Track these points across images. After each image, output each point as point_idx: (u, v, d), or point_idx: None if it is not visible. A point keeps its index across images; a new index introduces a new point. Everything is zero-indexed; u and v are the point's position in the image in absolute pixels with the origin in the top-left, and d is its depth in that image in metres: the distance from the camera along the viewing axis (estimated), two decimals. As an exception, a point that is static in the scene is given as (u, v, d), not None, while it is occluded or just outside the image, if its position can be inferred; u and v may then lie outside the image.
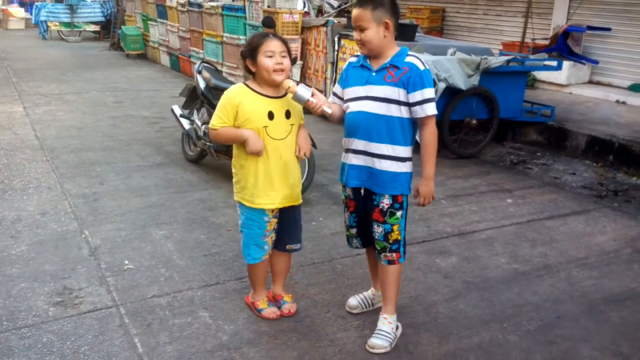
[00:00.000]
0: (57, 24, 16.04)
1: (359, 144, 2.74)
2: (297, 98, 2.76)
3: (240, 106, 2.79)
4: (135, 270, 3.48)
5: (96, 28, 16.60)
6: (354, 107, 2.75)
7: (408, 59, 2.67)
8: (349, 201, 2.91)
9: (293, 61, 5.24)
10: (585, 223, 4.51)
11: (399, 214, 2.77)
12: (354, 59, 2.83)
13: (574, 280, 3.58)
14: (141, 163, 5.54)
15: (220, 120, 2.83)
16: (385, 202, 2.74)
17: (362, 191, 2.81)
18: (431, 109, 2.65)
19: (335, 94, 2.89)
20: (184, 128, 5.51)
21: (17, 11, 19.59)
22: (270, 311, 3.03)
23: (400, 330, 2.91)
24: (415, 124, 2.74)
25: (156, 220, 4.21)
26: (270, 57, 2.75)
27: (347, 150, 2.81)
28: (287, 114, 2.86)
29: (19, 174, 5.09)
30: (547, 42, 8.56)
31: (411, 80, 2.62)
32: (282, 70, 2.77)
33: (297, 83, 2.82)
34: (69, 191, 4.72)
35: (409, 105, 2.65)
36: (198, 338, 2.84)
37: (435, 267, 3.68)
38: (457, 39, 10.08)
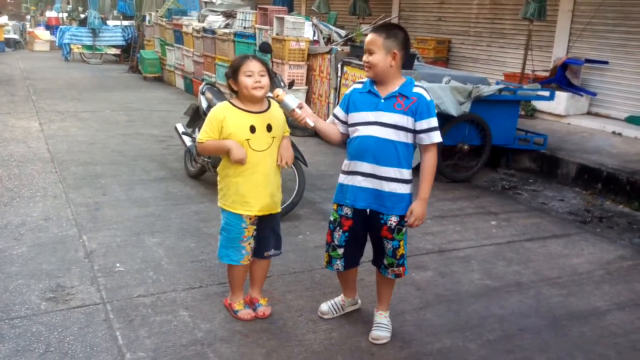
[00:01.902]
0: (80, 46, 16.66)
1: (367, 167, 2.90)
2: (283, 106, 2.99)
3: (225, 121, 3.04)
4: (125, 272, 3.71)
5: (117, 51, 17.18)
6: (363, 131, 2.90)
7: (416, 90, 2.88)
8: (344, 220, 3.01)
9: (290, 85, 5.54)
10: (564, 246, 4.66)
11: (404, 229, 2.97)
12: (359, 85, 3.00)
13: (542, 297, 3.73)
14: (144, 177, 5.82)
15: (206, 135, 3.08)
16: (393, 219, 2.92)
17: (368, 212, 2.96)
18: (437, 137, 2.86)
19: (336, 116, 3.05)
20: (185, 145, 5.79)
21: (42, 34, 20.39)
22: (245, 312, 3.23)
23: None
24: (415, 148, 2.94)
25: (151, 228, 4.46)
26: (250, 76, 3.01)
27: (354, 173, 2.95)
28: (269, 128, 3.11)
29: (28, 183, 5.40)
30: (547, 74, 8.78)
31: (419, 109, 2.83)
32: (261, 87, 3.03)
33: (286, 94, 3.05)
34: (72, 200, 5.00)
35: (415, 132, 2.86)
36: (175, 334, 3.05)
37: (410, 280, 3.85)
38: (461, 69, 10.34)
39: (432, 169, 2.91)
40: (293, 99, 2.98)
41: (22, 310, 3.19)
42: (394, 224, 2.92)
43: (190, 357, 2.86)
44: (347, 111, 3.00)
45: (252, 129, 3.06)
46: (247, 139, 3.05)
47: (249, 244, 3.18)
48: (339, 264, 3.10)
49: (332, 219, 3.08)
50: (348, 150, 2.99)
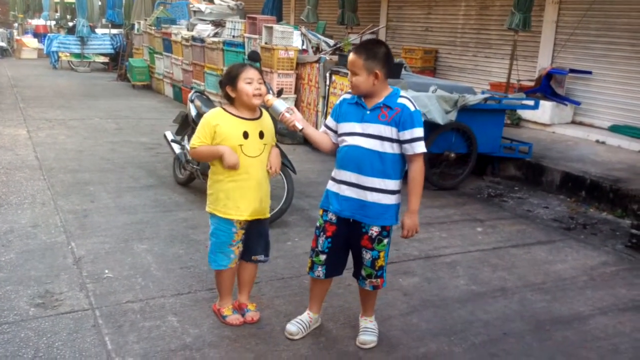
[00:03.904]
0: (68, 54, 16.60)
1: (351, 176, 2.92)
2: (273, 110, 3.04)
3: (218, 127, 3.08)
4: (114, 278, 3.72)
5: (105, 59, 17.14)
6: (349, 141, 2.92)
7: (400, 100, 2.87)
8: (328, 225, 3.03)
9: (278, 93, 5.60)
10: (549, 252, 4.73)
11: (385, 241, 2.98)
12: (348, 96, 3.01)
13: (527, 302, 3.79)
14: (133, 184, 5.83)
15: (199, 140, 3.12)
16: (375, 229, 2.94)
17: (352, 220, 2.98)
18: (420, 147, 2.85)
19: (327, 126, 3.08)
20: (174, 152, 5.82)
21: (30, 41, 20.30)
22: (233, 318, 3.26)
23: None
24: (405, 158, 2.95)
25: (140, 235, 4.47)
26: (250, 83, 3.06)
27: (339, 182, 2.98)
28: (261, 135, 3.16)
29: (16, 190, 5.39)
30: (532, 84, 8.91)
31: (402, 119, 2.83)
32: (260, 95, 3.08)
33: (276, 98, 3.10)
34: (61, 207, 5.00)
35: (400, 142, 2.87)
36: (164, 339, 3.07)
37: (397, 285, 3.90)
38: (448, 78, 10.47)
39: (418, 180, 2.89)
40: (282, 103, 3.03)
41: (10, 316, 3.20)
42: (375, 233, 2.94)
43: (179, 362, 2.89)
44: (337, 121, 3.02)
45: (245, 135, 3.10)
46: (240, 145, 3.09)
47: (238, 247, 3.22)
48: (320, 270, 3.11)
49: (318, 224, 3.11)
50: (336, 159, 3.03)
